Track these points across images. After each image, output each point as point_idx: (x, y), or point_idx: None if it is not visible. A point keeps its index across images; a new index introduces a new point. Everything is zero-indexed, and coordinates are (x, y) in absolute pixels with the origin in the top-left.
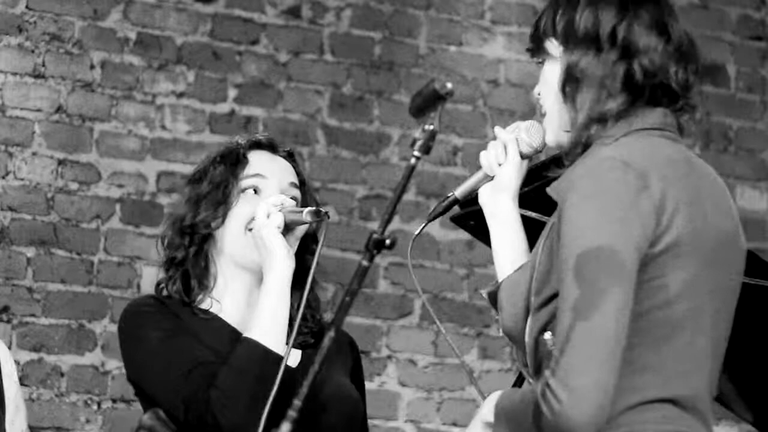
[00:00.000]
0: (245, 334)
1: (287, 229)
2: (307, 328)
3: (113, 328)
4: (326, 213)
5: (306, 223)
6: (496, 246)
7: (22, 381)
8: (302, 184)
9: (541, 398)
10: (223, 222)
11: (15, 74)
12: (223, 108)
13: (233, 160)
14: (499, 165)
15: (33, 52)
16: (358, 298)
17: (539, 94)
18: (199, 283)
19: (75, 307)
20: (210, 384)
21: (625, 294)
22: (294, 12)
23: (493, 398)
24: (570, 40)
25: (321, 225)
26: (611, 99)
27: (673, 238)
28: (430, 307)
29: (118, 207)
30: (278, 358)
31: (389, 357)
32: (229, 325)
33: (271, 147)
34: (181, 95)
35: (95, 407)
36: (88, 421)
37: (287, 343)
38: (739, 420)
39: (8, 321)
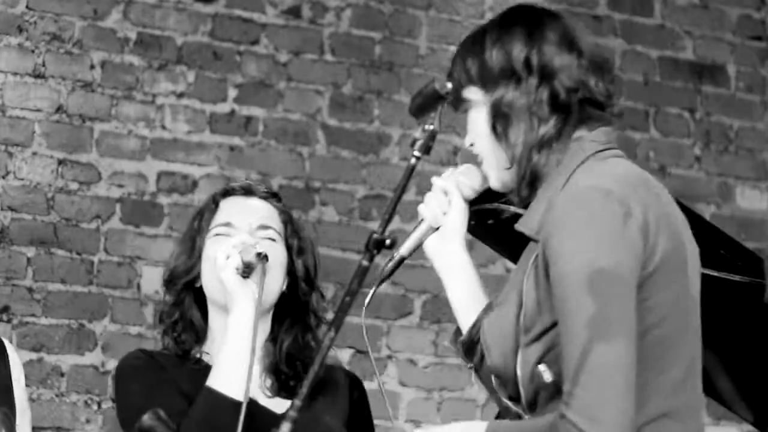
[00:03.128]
0: (207, 382)
1: (250, 269)
2: (293, 380)
3: (113, 328)
4: (264, 255)
5: (255, 265)
6: (454, 296)
7: None
8: (286, 224)
9: None
10: (198, 268)
11: (15, 74)
12: (223, 108)
13: (204, 211)
14: (444, 214)
15: (33, 52)
16: (358, 298)
17: (472, 144)
18: (188, 334)
19: (75, 307)
20: None
21: (630, 320)
22: (294, 12)
23: (478, 429)
24: (488, 81)
25: (262, 267)
26: (543, 124)
27: (659, 258)
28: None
29: (118, 207)
30: (234, 404)
31: (389, 357)
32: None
33: (244, 191)
34: (181, 95)
35: (95, 407)
36: (88, 421)
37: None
38: (740, 420)
39: (8, 321)
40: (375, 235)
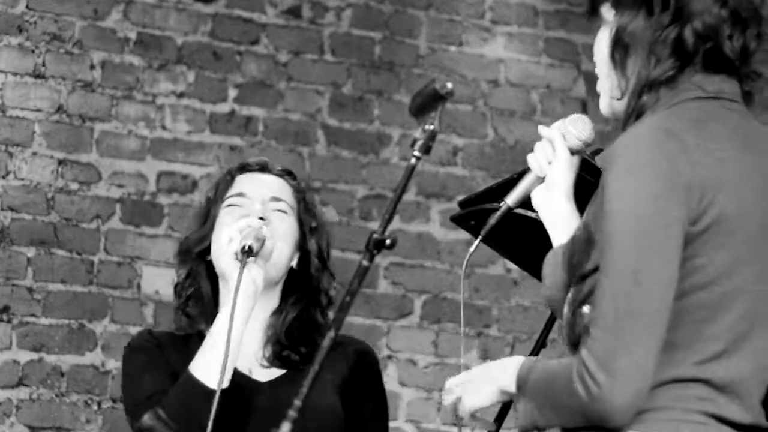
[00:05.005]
0: (189, 365)
1: (251, 253)
2: (289, 350)
3: (113, 328)
4: (246, 253)
5: (256, 249)
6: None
7: (23, 381)
8: (300, 201)
9: (578, 378)
10: (212, 240)
11: (15, 74)
12: (224, 108)
13: (220, 185)
14: (549, 164)
15: (33, 52)
16: (358, 298)
17: (596, 61)
18: (197, 309)
19: (75, 307)
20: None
21: (669, 272)
22: (294, 12)
23: (512, 366)
24: (621, 2)
25: (242, 263)
26: (659, 64)
27: (715, 216)
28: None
29: (118, 207)
30: (206, 391)
31: (389, 357)
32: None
33: (261, 168)
34: (181, 95)
35: (95, 407)
36: (88, 421)
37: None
38: None
39: (8, 321)
40: (375, 235)
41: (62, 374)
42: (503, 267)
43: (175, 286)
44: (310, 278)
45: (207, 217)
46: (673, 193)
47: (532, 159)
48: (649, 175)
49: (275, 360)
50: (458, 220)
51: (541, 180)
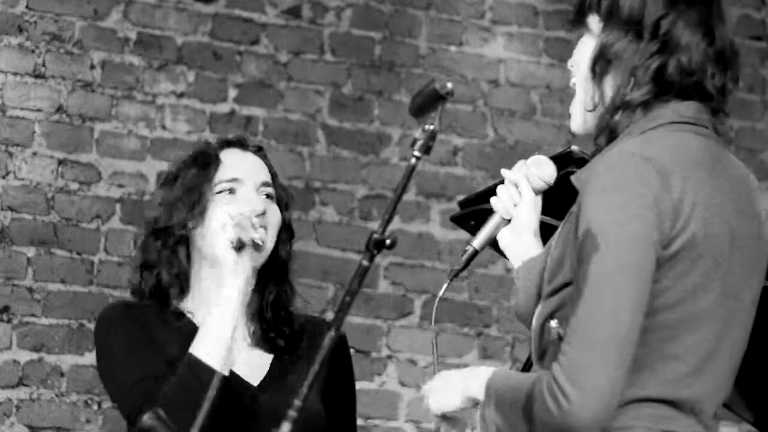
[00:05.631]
0: (190, 350)
1: (243, 245)
2: (274, 332)
3: None
4: (260, 246)
5: (248, 246)
6: None
7: (23, 381)
8: (273, 179)
9: (548, 392)
10: (200, 223)
11: (15, 74)
12: (224, 108)
13: (205, 162)
14: (515, 206)
15: (33, 52)
16: (358, 298)
17: (572, 66)
18: (172, 287)
19: (75, 307)
20: (150, 400)
21: (643, 295)
22: (294, 12)
23: (483, 375)
24: (612, 19)
25: (253, 254)
26: (637, 88)
27: (686, 241)
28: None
29: (118, 207)
30: (216, 374)
31: (389, 357)
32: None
33: (241, 145)
34: (181, 95)
35: (95, 407)
36: (88, 421)
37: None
38: (739, 420)
39: (8, 321)
40: (375, 235)
41: (62, 374)
42: (503, 267)
43: (143, 252)
44: (276, 251)
45: (196, 201)
46: (649, 217)
47: (496, 202)
48: (628, 197)
49: (260, 342)
50: (458, 220)
51: (507, 222)
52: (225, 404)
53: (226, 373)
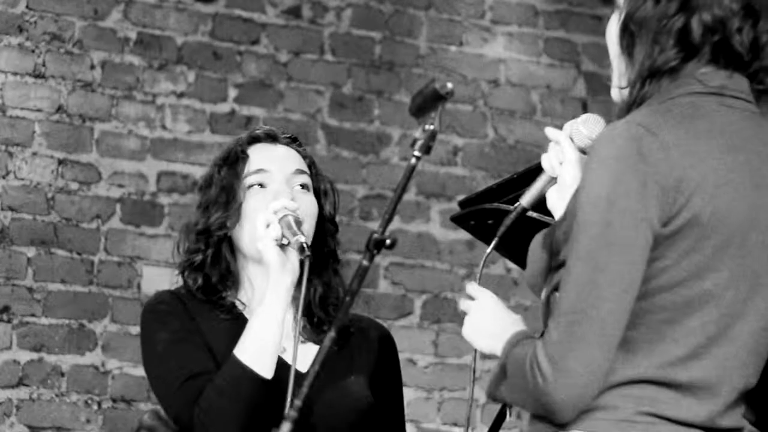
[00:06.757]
0: (234, 351)
1: (287, 242)
2: (320, 329)
3: (113, 327)
4: (308, 254)
5: (293, 244)
6: None
7: (23, 381)
8: (311, 167)
9: (528, 367)
10: (237, 221)
11: (15, 74)
12: (224, 108)
13: (234, 160)
14: (560, 164)
15: (33, 52)
16: (358, 298)
17: (608, 48)
18: (221, 283)
19: (75, 307)
20: (196, 400)
21: (631, 274)
22: (294, 12)
23: (511, 335)
24: None
25: (304, 263)
26: (662, 54)
27: (687, 219)
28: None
29: (118, 207)
30: (258, 380)
31: None
32: None
33: (270, 138)
34: (181, 95)
35: (95, 407)
36: (88, 421)
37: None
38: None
39: (8, 321)
40: (375, 235)
41: (62, 374)
42: (503, 267)
43: (192, 262)
44: (325, 244)
45: (230, 200)
46: (646, 192)
47: (545, 159)
48: (622, 172)
49: (312, 335)
50: (458, 220)
51: (555, 180)
52: (274, 400)
53: (269, 377)
